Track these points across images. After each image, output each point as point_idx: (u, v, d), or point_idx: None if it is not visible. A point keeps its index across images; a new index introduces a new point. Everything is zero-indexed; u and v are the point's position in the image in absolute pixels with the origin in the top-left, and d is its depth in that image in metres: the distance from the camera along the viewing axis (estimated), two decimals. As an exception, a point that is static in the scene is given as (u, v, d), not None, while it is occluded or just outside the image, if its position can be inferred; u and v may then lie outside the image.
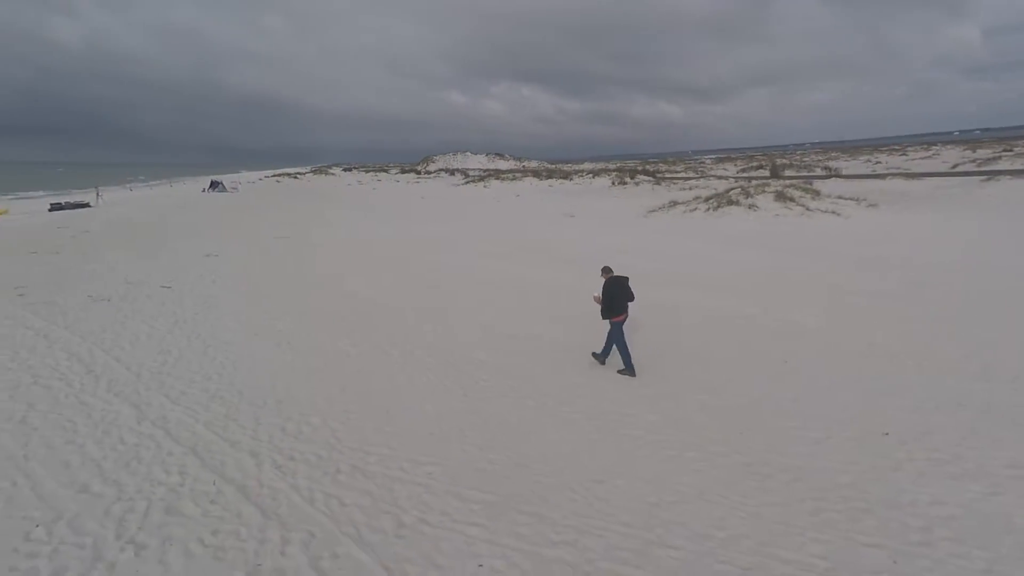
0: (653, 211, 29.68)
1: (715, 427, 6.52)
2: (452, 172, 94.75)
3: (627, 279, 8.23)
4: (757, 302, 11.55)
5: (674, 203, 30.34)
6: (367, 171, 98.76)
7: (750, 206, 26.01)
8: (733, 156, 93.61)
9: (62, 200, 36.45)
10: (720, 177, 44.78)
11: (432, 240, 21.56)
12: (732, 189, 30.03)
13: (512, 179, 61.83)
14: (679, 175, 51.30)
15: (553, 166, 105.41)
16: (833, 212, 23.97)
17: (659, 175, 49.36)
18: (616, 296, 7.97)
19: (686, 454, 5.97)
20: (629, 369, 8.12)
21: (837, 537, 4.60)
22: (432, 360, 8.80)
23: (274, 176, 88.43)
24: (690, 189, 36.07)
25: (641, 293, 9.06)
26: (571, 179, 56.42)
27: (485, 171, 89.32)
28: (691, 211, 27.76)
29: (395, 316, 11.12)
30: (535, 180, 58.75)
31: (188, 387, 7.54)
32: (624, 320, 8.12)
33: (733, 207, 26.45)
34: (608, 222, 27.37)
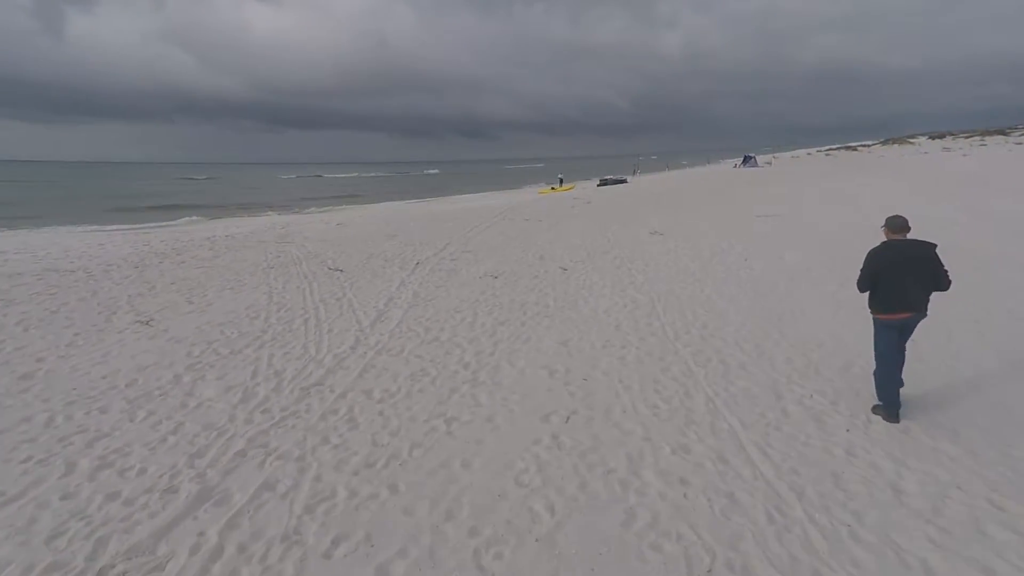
0: None
1: None
2: None
3: (931, 247, 3.77)
4: None
5: None
6: (968, 136, 72.81)
7: None
8: None
9: (609, 177, 43.00)
10: None
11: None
12: None
13: None
14: None
15: None
16: None
17: None
18: (884, 272, 3.73)
19: None
20: (889, 409, 4.08)
21: None
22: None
23: (827, 150, 78.37)
24: None
25: None
26: None
27: None
28: None
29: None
30: None
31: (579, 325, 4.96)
32: (909, 320, 3.79)
33: None
34: None
